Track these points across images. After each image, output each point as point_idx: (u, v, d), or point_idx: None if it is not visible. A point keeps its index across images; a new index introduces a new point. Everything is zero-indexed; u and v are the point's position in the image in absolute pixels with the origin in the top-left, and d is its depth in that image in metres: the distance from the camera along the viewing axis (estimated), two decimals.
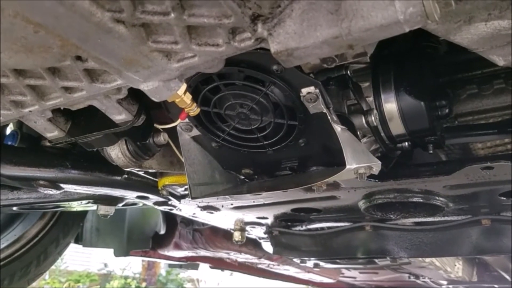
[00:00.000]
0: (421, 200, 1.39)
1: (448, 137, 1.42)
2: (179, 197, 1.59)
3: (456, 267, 3.38)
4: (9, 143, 1.53)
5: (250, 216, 1.86)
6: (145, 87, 0.81)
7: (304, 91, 0.94)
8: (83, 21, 0.65)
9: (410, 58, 1.20)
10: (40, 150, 1.43)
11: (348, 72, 1.12)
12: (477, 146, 1.75)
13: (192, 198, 1.21)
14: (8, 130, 1.70)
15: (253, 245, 2.78)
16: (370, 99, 1.17)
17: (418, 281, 3.66)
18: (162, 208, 1.81)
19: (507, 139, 1.65)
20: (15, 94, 0.90)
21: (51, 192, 1.43)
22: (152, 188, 1.55)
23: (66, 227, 2.25)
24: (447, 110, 1.24)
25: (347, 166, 0.99)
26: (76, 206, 1.89)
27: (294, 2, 0.66)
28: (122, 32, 0.68)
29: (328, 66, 0.79)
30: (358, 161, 1.01)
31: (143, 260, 10.05)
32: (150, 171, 1.41)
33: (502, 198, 1.39)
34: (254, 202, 1.60)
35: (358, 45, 0.66)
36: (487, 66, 1.32)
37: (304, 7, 0.66)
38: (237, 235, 1.95)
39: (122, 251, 2.80)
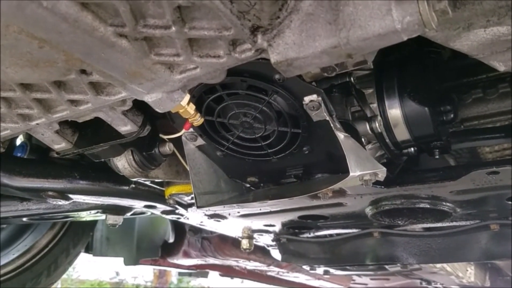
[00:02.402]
0: (428, 206, 1.38)
1: (454, 142, 1.41)
2: (186, 206, 1.60)
3: (468, 272, 3.34)
4: (19, 154, 1.56)
5: (257, 223, 1.87)
6: (149, 98, 0.83)
7: (307, 99, 0.95)
8: (86, 36, 0.67)
9: (413, 63, 1.20)
10: (49, 161, 1.45)
11: (352, 79, 1.12)
12: (485, 150, 1.74)
13: (198, 207, 1.22)
14: (18, 142, 1.73)
15: (262, 252, 2.78)
16: (374, 105, 1.17)
17: (430, 286, 3.63)
18: (169, 217, 1.83)
19: None
20: (22, 107, 0.92)
21: (60, 203, 1.45)
22: (159, 197, 1.56)
23: (76, 237, 2.27)
24: (452, 115, 1.24)
25: (351, 174, 0.99)
26: (85, 216, 1.90)
27: (293, 13, 0.67)
28: (125, 46, 0.70)
29: (328, 75, 0.80)
30: (362, 168, 1.01)
31: (154, 268, 10.06)
32: (156, 180, 1.42)
33: (510, 202, 1.37)
34: (260, 209, 1.61)
35: (357, 54, 0.67)
36: (492, 70, 1.31)
37: (302, 18, 0.67)
38: (245, 243, 1.96)
39: (132, 260, 2.82)
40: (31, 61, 0.76)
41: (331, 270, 3.16)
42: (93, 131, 1.07)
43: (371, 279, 3.58)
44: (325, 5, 0.65)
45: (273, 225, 1.89)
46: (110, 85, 0.84)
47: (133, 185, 1.47)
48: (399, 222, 1.54)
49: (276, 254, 2.30)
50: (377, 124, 1.14)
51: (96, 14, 0.65)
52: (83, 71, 0.79)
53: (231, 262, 3.08)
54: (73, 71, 0.78)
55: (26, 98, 0.88)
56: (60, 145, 1.07)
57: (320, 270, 3.18)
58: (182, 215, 1.77)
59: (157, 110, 0.85)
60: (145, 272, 10.87)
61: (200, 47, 0.73)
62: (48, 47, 0.71)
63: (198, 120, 0.96)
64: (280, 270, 3.31)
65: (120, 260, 2.89)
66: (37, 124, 0.96)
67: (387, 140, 1.19)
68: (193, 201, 1.38)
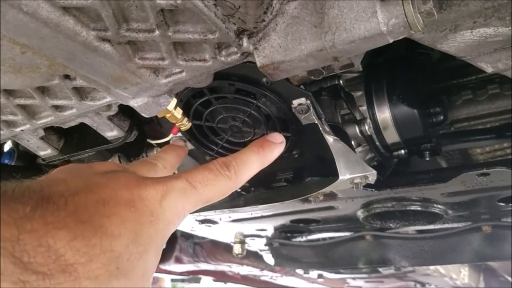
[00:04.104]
0: (420, 208, 1.38)
1: (445, 143, 1.41)
2: None
3: (462, 274, 3.35)
4: (6, 161, 1.54)
5: (249, 228, 1.85)
6: (134, 103, 0.81)
7: (295, 102, 0.94)
8: (68, 40, 0.66)
9: (402, 66, 1.21)
10: (37, 168, 1.43)
11: (341, 82, 1.12)
12: (476, 151, 1.74)
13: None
14: (6, 147, 1.71)
15: (254, 257, 2.77)
16: (364, 108, 1.16)
17: None
18: None
19: (505, 144, 1.65)
20: (6, 114, 0.90)
21: None
22: None
23: None
24: (441, 117, 1.24)
25: (340, 177, 0.98)
26: None
27: (278, 16, 0.66)
28: (108, 50, 0.69)
29: (315, 78, 0.79)
30: (352, 171, 1.00)
31: None
32: None
33: (501, 204, 1.38)
34: (252, 214, 1.60)
35: (344, 57, 0.66)
36: (481, 71, 1.31)
37: (288, 21, 0.66)
38: (237, 248, 1.94)
39: None
40: (14, 67, 0.74)
41: (325, 274, 3.15)
42: (79, 137, 1.06)
43: (365, 282, 3.58)
44: (310, 7, 0.64)
45: (265, 230, 1.88)
46: (94, 90, 0.82)
47: None
48: (391, 224, 1.54)
49: (269, 258, 2.29)
50: (366, 127, 1.14)
51: (78, 18, 0.64)
52: (67, 76, 0.78)
53: (224, 267, 3.07)
54: (57, 77, 0.77)
55: (10, 104, 0.86)
56: (45, 151, 1.06)
57: (313, 274, 3.17)
58: None
59: (143, 115, 0.84)
60: None
61: (185, 51, 0.72)
62: (30, 52, 0.70)
63: (186, 124, 0.95)
64: (274, 274, 3.30)
65: None
66: (22, 130, 0.95)
67: (377, 143, 1.19)
68: None
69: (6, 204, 0.42)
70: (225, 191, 0.68)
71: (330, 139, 0.98)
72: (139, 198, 0.52)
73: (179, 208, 0.57)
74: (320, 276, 3.26)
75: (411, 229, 1.82)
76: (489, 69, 0.78)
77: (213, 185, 0.64)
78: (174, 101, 0.85)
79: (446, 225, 1.67)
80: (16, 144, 1.61)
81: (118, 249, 0.46)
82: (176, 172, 1.13)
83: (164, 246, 0.55)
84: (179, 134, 1.10)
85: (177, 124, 0.94)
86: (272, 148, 0.83)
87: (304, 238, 1.99)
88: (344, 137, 1.07)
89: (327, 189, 1.11)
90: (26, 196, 0.46)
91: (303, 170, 1.20)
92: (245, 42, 0.68)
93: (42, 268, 0.39)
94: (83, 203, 0.48)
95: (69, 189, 0.50)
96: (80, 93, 0.83)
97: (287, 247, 2.05)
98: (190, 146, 1.16)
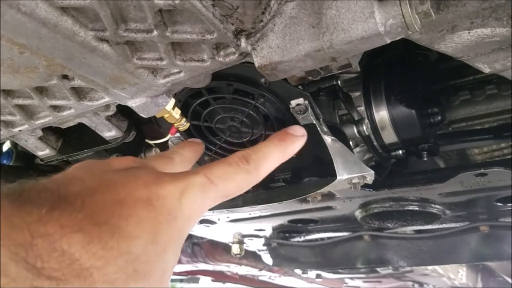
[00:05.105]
0: (417, 208, 1.38)
1: (443, 144, 1.42)
2: None
3: (460, 274, 3.36)
4: (4, 162, 1.53)
5: (247, 228, 1.86)
6: (132, 103, 0.81)
7: (294, 103, 0.94)
8: (66, 41, 0.66)
9: (401, 66, 1.21)
10: (35, 168, 1.43)
11: (339, 82, 1.12)
12: (474, 151, 1.75)
13: None
14: (5, 148, 1.70)
15: (253, 257, 2.77)
16: (362, 108, 1.17)
17: None
18: None
19: (503, 144, 1.65)
20: (5, 114, 0.90)
21: None
22: None
23: None
24: (439, 117, 1.24)
25: (338, 177, 0.98)
26: None
27: (276, 17, 0.67)
28: (106, 51, 0.69)
29: (313, 79, 0.79)
30: (349, 171, 1.01)
31: None
32: None
33: (499, 204, 1.38)
34: (250, 214, 1.60)
35: (341, 58, 0.66)
36: (479, 72, 1.31)
37: (286, 21, 0.66)
38: (235, 248, 1.94)
39: None
40: (12, 67, 0.74)
41: (323, 274, 3.15)
42: (77, 137, 1.06)
43: (364, 281, 3.58)
44: (308, 8, 0.64)
45: (264, 230, 1.88)
46: (92, 90, 0.82)
47: None
48: (389, 224, 1.54)
49: (267, 258, 2.29)
50: (364, 127, 1.14)
51: (76, 18, 0.64)
52: (65, 77, 0.78)
53: (223, 267, 3.07)
54: (55, 77, 0.77)
55: (8, 104, 0.86)
56: (44, 151, 1.06)
57: (312, 273, 3.17)
58: None
59: (141, 115, 0.84)
60: None
61: (183, 51, 0.72)
62: (28, 52, 0.70)
63: (184, 125, 0.95)
64: (272, 274, 3.30)
65: None
66: (20, 130, 0.95)
67: (375, 143, 1.19)
68: None
69: (20, 208, 0.42)
70: (245, 185, 0.67)
71: (328, 139, 0.99)
72: (157, 196, 0.52)
73: (198, 205, 0.56)
74: (318, 276, 3.26)
75: (409, 229, 1.82)
76: (486, 70, 0.78)
77: (233, 179, 0.63)
78: (172, 101, 0.85)
79: (444, 225, 1.67)
80: (14, 144, 1.61)
81: (136, 250, 0.45)
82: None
83: (183, 243, 0.54)
84: (178, 134, 1.10)
85: (175, 125, 0.94)
86: (294, 140, 0.81)
87: (302, 238, 1.99)
88: (342, 138, 1.07)
89: (325, 189, 1.12)
90: (42, 197, 0.45)
91: (301, 170, 1.20)
92: (243, 42, 0.69)
93: (56, 274, 0.39)
94: (101, 204, 0.47)
95: (86, 189, 0.49)
96: (78, 93, 0.83)
97: (286, 247, 2.05)
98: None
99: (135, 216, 0.48)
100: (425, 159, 1.25)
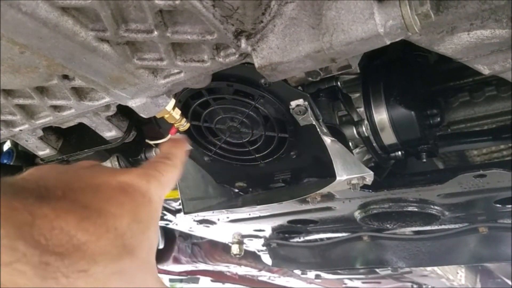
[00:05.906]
0: (416, 209, 1.38)
1: (442, 145, 1.42)
2: (174, 212, 1.59)
3: (458, 275, 3.36)
4: (5, 161, 1.53)
5: (247, 228, 1.86)
6: (133, 103, 0.82)
7: (293, 103, 0.95)
8: (67, 41, 0.66)
9: (400, 68, 1.21)
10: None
11: (338, 83, 1.13)
12: (473, 153, 1.75)
13: (185, 213, 1.21)
14: (5, 147, 1.70)
15: (252, 257, 2.77)
16: (361, 109, 1.17)
17: None
18: None
19: (502, 146, 1.65)
20: (5, 114, 0.90)
21: None
22: None
23: None
24: (438, 119, 1.25)
25: (338, 178, 0.99)
26: None
27: (276, 18, 0.67)
28: (106, 51, 0.69)
29: (313, 80, 0.79)
30: (349, 172, 1.01)
31: None
32: None
33: (498, 205, 1.38)
34: (250, 215, 1.60)
35: (341, 59, 0.66)
36: (478, 73, 1.32)
37: (286, 22, 0.66)
38: (235, 248, 1.94)
39: None
40: (13, 67, 0.74)
41: (322, 274, 3.15)
42: (77, 137, 1.06)
43: (363, 282, 3.58)
44: (308, 9, 0.64)
45: (263, 230, 1.88)
46: (93, 90, 0.82)
47: None
48: (388, 225, 1.54)
49: (266, 259, 2.29)
50: (364, 128, 1.14)
51: (76, 18, 0.64)
52: (65, 77, 0.78)
53: (222, 267, 3.07)
54: (55, 77, 0.77)
55: (9, 104, 0.86)
56: (44, 151, 1.06)
57: (311, 274, 3.16)
58: (170, 221, 1.76)
59: (141, 115, 0.84)
60: None
61: (183, 52, 0.72)
62: (29, 52, 0.70)
63: (184, 125, 0.95)
64: (272, 275, 3.30)
65: None
66: (21, 130, 0.95)
67: (374, 144, 1.19)
68: (181, 207, 1.37)
69: (16, 193, 0.45)
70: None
71: (327, 140, 0.99)
72: (128, 184, 0.56)
73: (162, 190, 0.61)
74: (317, 276, 3.25)
75: (408, 230, 1.82)
76: (485, 71, 0.78)
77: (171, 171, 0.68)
78: (172, 101, 0.85)
79: (443, 226, 1.68)
80: (15, 144, 1.61)
81: (122, 228, 0.49)
82: None
83: (162, 246, 0.57)
84: (178, 134, 1.10)
85: (175, 125, 0.94)
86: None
87: (301, 239, 1.99)
88: (341, 138, 1.08)
89: (324, 190, 1.12)
90: (27, 187, 0.48)
91: (300, 171, 1.20)
92: (243, 43, 0.69)
93: (59, 249, 0.42)
94: (79, 192, 0.51)
95: (61, 181, 0.52)
96: (79, 93, 0.83)
97: (285, 248, 2.05)
98: (188, 146, 1.16)
99: (115, 199, 0.52)
100: (424, 160, 1.25)
